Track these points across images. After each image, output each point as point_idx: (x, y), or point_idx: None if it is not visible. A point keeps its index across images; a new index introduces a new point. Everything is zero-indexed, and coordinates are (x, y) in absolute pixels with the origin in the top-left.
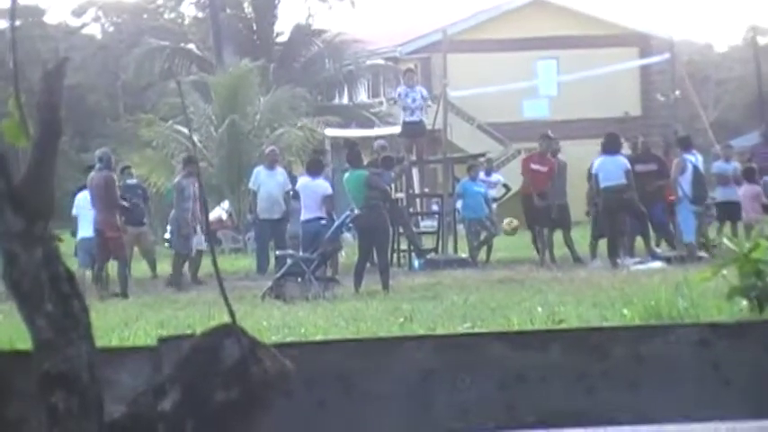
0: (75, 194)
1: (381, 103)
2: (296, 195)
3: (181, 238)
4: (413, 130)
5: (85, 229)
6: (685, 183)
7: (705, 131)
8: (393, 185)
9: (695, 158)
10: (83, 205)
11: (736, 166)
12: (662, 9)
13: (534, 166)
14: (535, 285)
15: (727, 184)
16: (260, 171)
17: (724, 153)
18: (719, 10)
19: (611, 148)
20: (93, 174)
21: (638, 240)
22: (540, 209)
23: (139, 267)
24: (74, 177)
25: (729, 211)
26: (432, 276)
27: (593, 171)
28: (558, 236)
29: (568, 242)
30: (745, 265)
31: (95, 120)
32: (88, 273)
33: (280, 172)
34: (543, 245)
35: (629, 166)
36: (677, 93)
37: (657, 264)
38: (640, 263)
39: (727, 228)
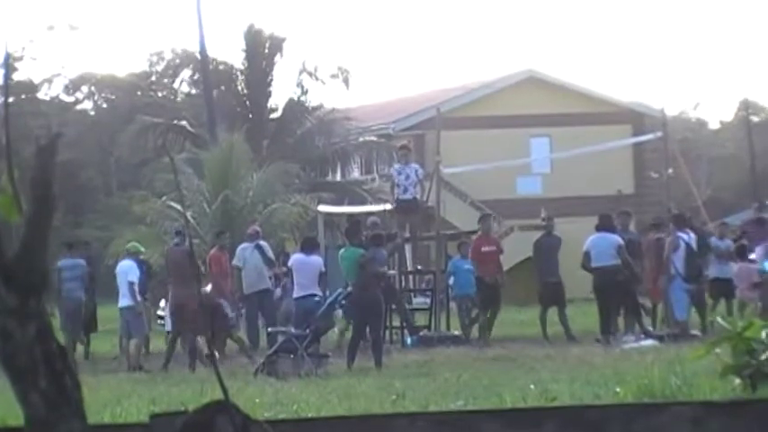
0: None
1: (374, 179)
2: (288, 272)
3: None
4: (406, 208)
5: (125, 299)
6: (678, 260)
7: (698, 209)
8: (386, 262)
9: (688, 236)
10: (124, 275)
11: (729, 243)
12: (654, 84)
13: (484, 248)
14: (528, 363)
15: (720, 261)
16: (245, 248)
17: (718, 230)
18: (712, 85)
19: (604, 226)
20: (169, 248)
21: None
22: (494, 288)
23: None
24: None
25: (723, 289)
26: (425, 353)
27: (585, 249)
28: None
29: (563, 320)
30: (738, 344)
31: (88, 196)
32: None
33: (263, 245)
34: (484, 327)
35: (622, 243)
36: (670, 171)
37: (650, 342)
38: (633, 341)
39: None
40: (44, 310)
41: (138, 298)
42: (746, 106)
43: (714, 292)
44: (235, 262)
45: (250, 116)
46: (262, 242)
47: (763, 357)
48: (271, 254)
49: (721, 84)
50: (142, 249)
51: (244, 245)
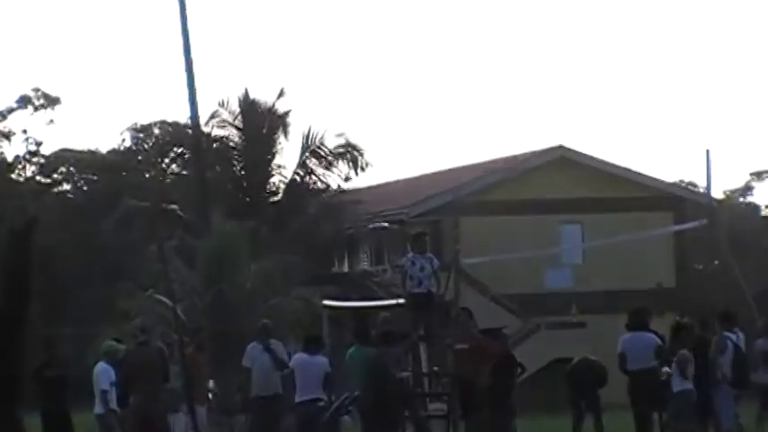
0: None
1: (386, 270)
2: (291, 374)
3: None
4: (420, 302)
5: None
6: (725, 363)
7: (748, 306)
8: (399, 363)
9: (736, 336)
10: (97, 381)
11: None
12: (698, 167)
13: (458, 346)
14: None
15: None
16: (254, 346)
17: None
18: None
19: (639, 323)
20: (131, 349)
21: None
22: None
23: None
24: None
25: None
26: None
27: (619, 350)
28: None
29: (599, 429)
30: None
31: (68, 287)
32: None
33: (275, 345)
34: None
35: (660, 343)
36: (716, 262)
37: None
38: None
39: None
40: (21, 415)
41: (112, 405)
42: None
43: (763, 398)
44: (244, 362)
45: (247, 199)
46: (273, 341)
47: None
48: (284, 355)
49: None
50: (121, 348)
51: (253, 343)
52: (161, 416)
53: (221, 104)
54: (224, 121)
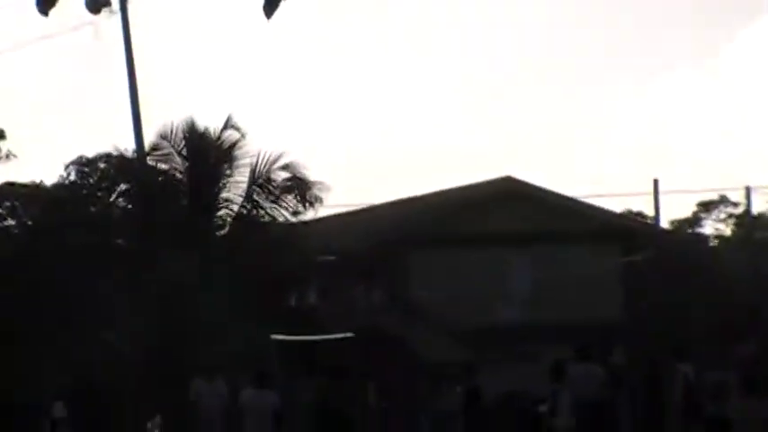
0: None
1: (335, 304)
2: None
3: None
4: (370, 336)
5: None
6: (676, 395)
7: (700, 337)
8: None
9: (687, 368)
10: None
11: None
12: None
13: None
14: None
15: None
16: (199, 383)
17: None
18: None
19: (583, 356)
20: None
21: None
22: None
23: None
24: None
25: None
26: None
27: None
28: None
29: None
30: None
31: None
32: None
33: (220, 386)
34: None
35: (606, 376)
36: (665, 292)
37: None
38: None
39: None
40: None
41: None
42: (750, 221)
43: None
44: (191, 396)
45: (193, 233)
46: (220, 382)
47: None
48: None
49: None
50: None
51: (197, 379)
52: None
53: (164, 137)
54: (167, 154)
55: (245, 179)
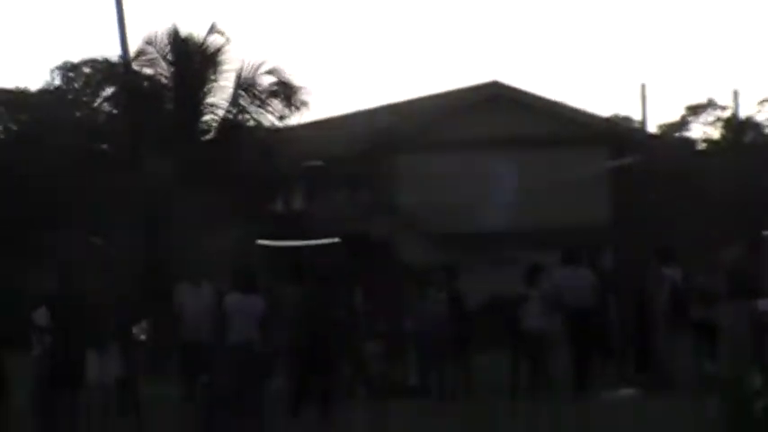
0: None
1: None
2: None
3: None
4: (357, 242)
5: None
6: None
7: (687, 241)
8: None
9: (674, 272)
10: None
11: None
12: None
13: None
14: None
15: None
16: (185, 287)
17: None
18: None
19: (572, 259)
20: None
21: None
22: None
23: None
24: None
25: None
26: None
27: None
28: None
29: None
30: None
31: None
32: None
33: (206, 290)
34: None
35: (596, 280)
36: (653, 197)
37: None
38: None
39: None
40: None
41: None
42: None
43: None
44: (177, 300)
45: (179, 138)
46: (206, 287)
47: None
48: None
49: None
50: None
51: (182, 284)
52: None
53: (149, 43)
54: (153, 59)
55: (231, 84)
